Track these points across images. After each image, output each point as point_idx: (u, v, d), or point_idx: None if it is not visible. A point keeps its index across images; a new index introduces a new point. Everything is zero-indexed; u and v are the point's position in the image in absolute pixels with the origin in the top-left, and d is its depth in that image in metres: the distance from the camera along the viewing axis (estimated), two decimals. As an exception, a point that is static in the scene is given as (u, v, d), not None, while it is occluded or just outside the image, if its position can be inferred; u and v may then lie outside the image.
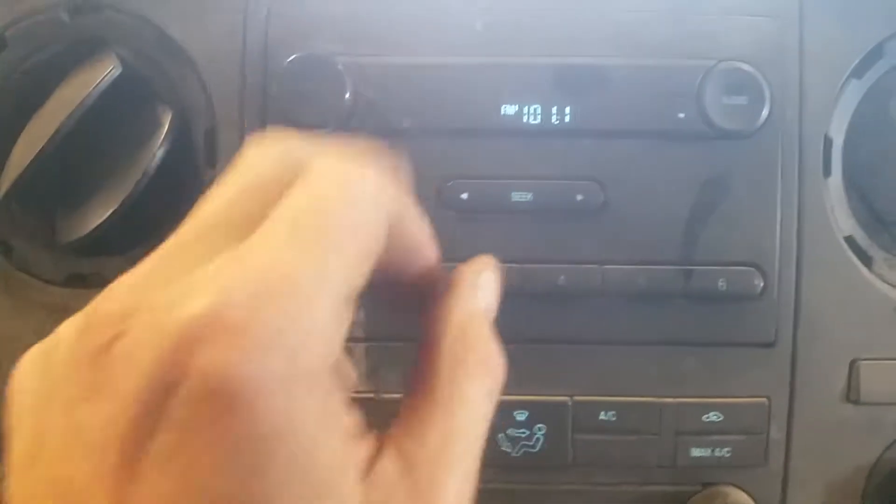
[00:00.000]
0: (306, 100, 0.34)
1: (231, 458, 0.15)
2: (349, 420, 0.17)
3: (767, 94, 0.35)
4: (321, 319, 0.16)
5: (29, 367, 0.18)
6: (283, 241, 0.17)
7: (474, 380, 0.20)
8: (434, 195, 0.36)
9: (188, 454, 0.15)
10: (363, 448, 0.17)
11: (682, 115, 0.35)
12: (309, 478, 0.16)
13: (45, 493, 0.16)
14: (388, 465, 0.18)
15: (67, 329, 0.17)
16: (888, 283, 0.38)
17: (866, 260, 0.38)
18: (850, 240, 0.38)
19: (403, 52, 0.35)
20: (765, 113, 0.35)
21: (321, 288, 0.17)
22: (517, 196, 0.36)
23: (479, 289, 0.22)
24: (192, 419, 0.15)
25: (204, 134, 0.37)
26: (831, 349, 0.37)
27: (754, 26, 0.36)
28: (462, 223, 0.36)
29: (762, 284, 0.36)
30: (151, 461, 0.15)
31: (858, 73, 0.37)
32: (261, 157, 0.20)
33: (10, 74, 0.38)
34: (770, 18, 0.36)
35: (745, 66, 0.35)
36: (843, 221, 0.38)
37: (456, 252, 0.36)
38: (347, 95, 0.35)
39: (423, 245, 0.22)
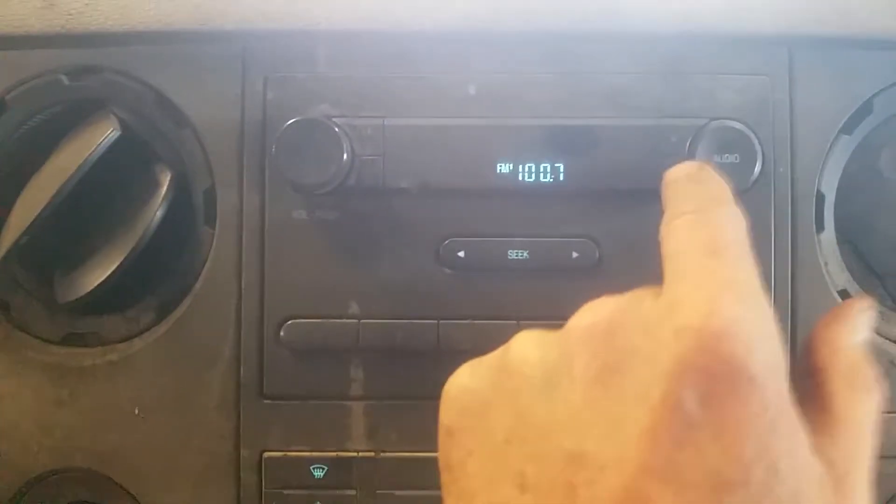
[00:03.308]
0: (304, 161, 0.34)
1: (752, 428, 0.19)
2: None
3: (759, 151, 0.36)
4: (773, 322, 0.21)
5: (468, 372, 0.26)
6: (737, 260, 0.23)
7: (870, 396, 0.24)
8: (431, 254, 0.36)
9: (727, 425, 0.19)
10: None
11: (674, 174, 0.36)
12: (790, 442, 0.20)
13: (553, 462, 0.21)
14: (840, 448, 0.22)
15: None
16: (884, 337, 0.38)
17: (861, 313, 0.38)
18: (844, 294, 0.38)
19: (399, 114, 0.36)
20: (757, 170, 0.36)
21: (758, 294, 0.21)
22: (513, 254, 0.36)
23: (861, 323, 0.26)
24: (725, 397, 0.19)
25: (203, 194, 0.37)
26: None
27: (745, 85, 0.37)
28: (459, 281, 0.36)
29: (758, 341, 0.36)
30: (693, 431, 0.19)
31: (848, 128, 0.38)
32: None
33: (11, 136, 0.38)
34: (760, 77, 0.37)
35: (737, 125, 0.36)
36: (837, 276, 0.38)
37: (453, 309, 0.37)
38: (345, 156, 0.35)
39: None
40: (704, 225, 0.25)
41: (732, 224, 0.25)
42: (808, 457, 0.20)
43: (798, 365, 0.25)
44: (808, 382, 0.24)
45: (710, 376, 0.19)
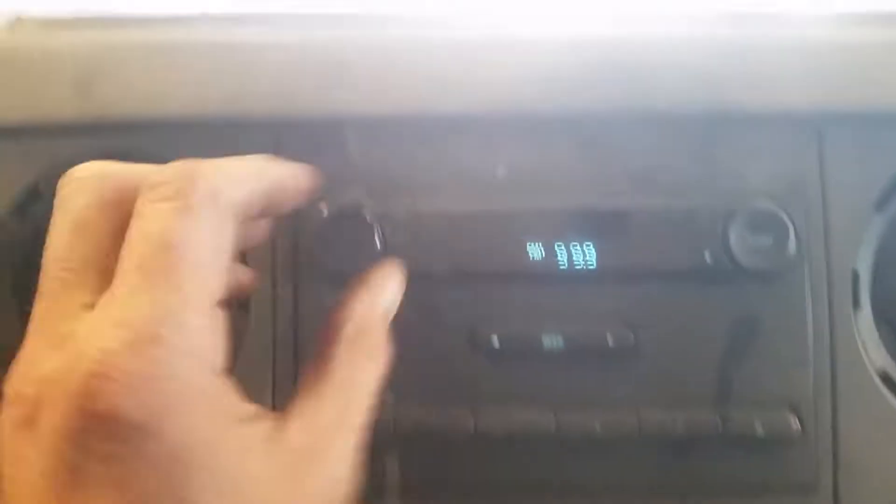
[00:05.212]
0: (337, 250, 0.34)
1: (152, 474, 0.19)
2: (246, 408, 0.22)
3: (792, 232, 0.35)
4: (191, 340, 0.20)
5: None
6: (138, 288, 0.21)
7: (367, 363, 0.25)
8: (465, 341, 0.36)
9: (114, 479, 0.19)
10: (264, 425, 0.22)
11: (708, 257, 0.35)
12: (221, 468, 0.20)
13: None
14: (293, 434, 0.22)
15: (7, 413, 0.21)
16: (923, 416, 0.37)
17: (902, 394, 0.37)
18: (884, 374, 0.37)
19: (429, 199, 0.36)
20: (791, 251, 0.35)
21: (184, 314, 0.20)
22: (548, 341, 0.35)
23: (382, 291, 0.28)
24: (109, 452, 0.19)
25: (235, 281, 0.37)
26: (873, 491, 0.36)
27: (776, 164, 0.37)
28: (494, 369, 0.36)
29: (799, 426, 0.35)
30: (84, 490, 0.19)
31: (881, 206, 0.38)
32: (80, 198, 0.24)
33: (44, 224, 0.38)
34: (790, 155, 0.37)
35: (769, 206, 0.36)
36: (876, 356, 0.37)
37: (488, 397, 0.36)
38: (378, 244, 0.35)
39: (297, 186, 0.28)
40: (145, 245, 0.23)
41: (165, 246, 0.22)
42: (249, 467, 0.21)
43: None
44: (320, 347, 0.25)
45: (90, 431, 0.19)
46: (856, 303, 0.37)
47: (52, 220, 0.24)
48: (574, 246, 0.36)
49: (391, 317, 0.28)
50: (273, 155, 0.36)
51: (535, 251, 0.36)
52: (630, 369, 0.36)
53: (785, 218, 0.36)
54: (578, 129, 0.37)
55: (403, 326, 0.36)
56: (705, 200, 0.36)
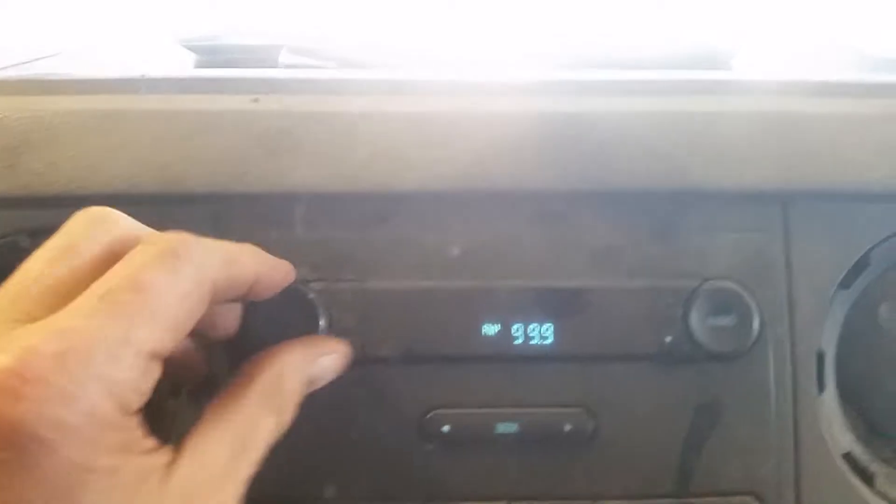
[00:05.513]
0: (278, 330, 0.32)
1: (40, 490, 0.19)
2: (147, 443, 0.22)
3: (755, 312, 0.34)
4: (121, 375, 0.21)
5: None
6: (92, 310, 0.21)
7: (271, 418, 0.25)
8: (414, 428, 0.34)
9: (12, 495, 0.19)
10: (161, 459, 0.22)
11: (668, 338, 0.34)
12: (114, 497, 0.20)
13: None
14: (187, 468, 0.22)
15: None
16: (892, 502, 0.36)
17: (867, 477, 0.36)
18: (848, 457, 0.36)
19: (380, 277, 0.34)
20: (754, 332, 0.34)
21: (122, 349, 0.21)
22: (502, 427, 0.34)
23: (313, 360, 0.28)
24: (10, 463, 0.19)
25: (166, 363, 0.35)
26: (839, 581, 0.35)
27: (739, 242, 0.35)
28: (443, 457, 0.34)
29: (763, 516, 0.34)
30: None
31: (846, 283, 0.37)
32: (84, 235, 0.24)
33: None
34: (754, 234, 0.36)
35: (731, 285, 0.35)
36: (841, 437, 0.36)
37: (436, 489, 0.34)
38: (322, 324, 0.33)
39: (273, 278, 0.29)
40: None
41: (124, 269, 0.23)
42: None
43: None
44: (234, 381, 0.26)
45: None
46: (820, 384, 0.36)
47: (46, 242, 0.24)
48: (531, 326, 0.34)
49: (313, 388, 0.28)
50: (212, 230, 0.35)
51: (491, 330, 0.34)
52: (588, 457, 0.34)
53: (747, 298, 0.34)
54: (537, 205, 0.35)
55: (349, 413, 0.34)
56: (666, 280, 0.35)
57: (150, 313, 0.22)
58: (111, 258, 0.24)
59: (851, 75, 0.40)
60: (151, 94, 0.35)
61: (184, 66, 0.56)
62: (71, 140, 0.34)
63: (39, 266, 0.23)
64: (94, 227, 0.24)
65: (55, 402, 0.19)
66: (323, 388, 0.34)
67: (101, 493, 0.20)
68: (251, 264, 0.27)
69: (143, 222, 0.34)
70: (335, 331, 0.33)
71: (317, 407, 0.34)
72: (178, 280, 0.23)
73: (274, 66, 0.56)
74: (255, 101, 0.35)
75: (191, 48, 0.56)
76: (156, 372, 0.22)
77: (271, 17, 0.69)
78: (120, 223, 0.25)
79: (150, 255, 0.23)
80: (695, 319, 0.34)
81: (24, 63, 0.47)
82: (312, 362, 0.28)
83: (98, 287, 0.22)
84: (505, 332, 0.34)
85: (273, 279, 0.29)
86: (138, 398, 0.22)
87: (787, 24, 0.65)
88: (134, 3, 0.64)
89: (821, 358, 0.36)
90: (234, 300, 0.29)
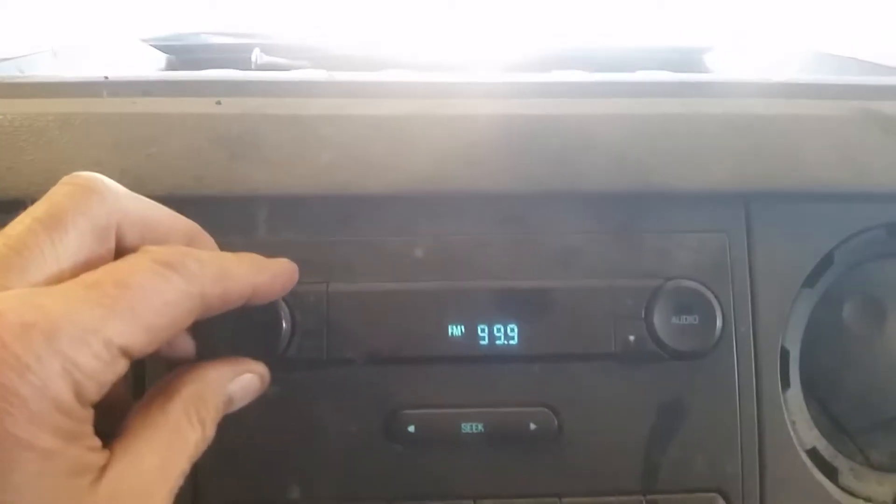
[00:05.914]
0: (240, 333, 0.32)
1: None
2: (90, 439, 0.22)
3: (718, 311, 0.35)
4: (83, 360, 0.21)
5: None
6: (74, 295, 0.21)
7: (195, 429, 0.25)
8: (379, 428, 0.34)
9: None
10: (100, 459, 0.22)
11: (632, 338, 0.34)
12: (45, 489, 0.20)
13: None
14: (118, 473, 0.22)
15: None
16: (855, 496, 0.36)
17: (831, 472, 0.37)
18: (813, 452, 0.36)
19: (343, 279, 0.34)
20: (717, 331, 0.35)
21: (91, 336, 0.21)
22: (467, 427, 0.34)
23: (235, 377, 0.28)
24: None
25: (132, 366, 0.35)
26: (802, 576, 0.35)
27: (701, 242, 0.36)
28: (409, 457, 0.34)
29: (727, 512, 0.34)
30: None
31: (811, 282, 0.37)
32: (70, 207, 0.24)
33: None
34: (717, 233, 0.36)
35: (694, 284, 0.35)
36: (805, 434, 0.37)
37: (402, 488, 0.34)
38: (285, 326, 0.33)
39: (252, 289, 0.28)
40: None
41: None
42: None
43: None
44: (162, 391, 0.26)
45: None
46: (784, 381, 0.36)
47: (30, 207, 0.24)
48: (495, 326, 0.34)
49: (231, 409, 0.28)
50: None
51: (455, 331, 0.34)
52: (553, 456, 0.34)
53: (710, 297, 0.35)
54: (500, 207, 0.35)
55: (315, 414, 0.34)
56: (629, 279, 0.35)
57: (130, 309, 0.22)
58: (96, 233, 0.24)
59: (813, 77, 0.40)
60: (114, 97, 0.35)
61: (154, 66, 0.56)
62: (31, 144, 0.33)
63: (24, 236, 0.23)
64: (81, 200, 0.24)
65: (8, 367, 0.19)
66: (289, 393, 0.34)
67: (31, 476, 0.19)
68: (247, 276, 0.27)
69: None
70: (299, 333, 0.33)
71: (282, 408, 0.34)
72: (166, 288, 0.23)
73: (246, 65, 0.56)
74: (218, 103, 0.35)
75: (161, 48, 0.56)
76: (121, 368, 0.22)
77: (247, 16, 0.69)
78: (106, 197, 0.25)
79: (145, 260, 0.23)
80: (658, 319, 0.34)
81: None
82: (232, 380, 0.28)
83: (87, 277, 0.22)
84: (470, 333, 0.34)
85: (271, 289, 0.29)
86: (97, 389, 0.21)
87: (761, 28, 0.65)
88: (106, 3, 0.64)
89: (785, 356, 0.36)
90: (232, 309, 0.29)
